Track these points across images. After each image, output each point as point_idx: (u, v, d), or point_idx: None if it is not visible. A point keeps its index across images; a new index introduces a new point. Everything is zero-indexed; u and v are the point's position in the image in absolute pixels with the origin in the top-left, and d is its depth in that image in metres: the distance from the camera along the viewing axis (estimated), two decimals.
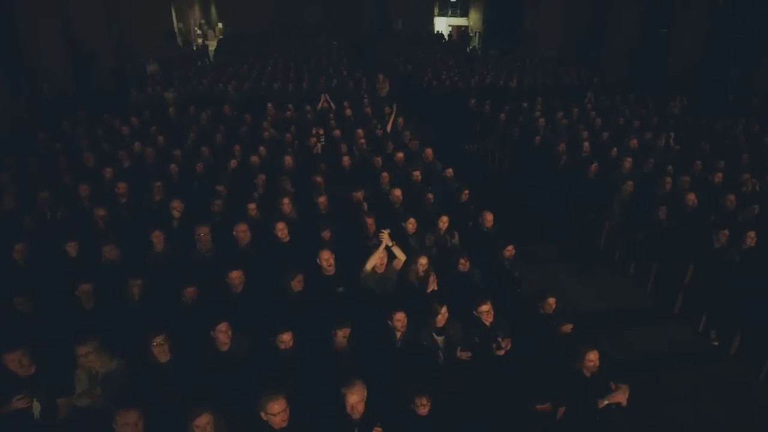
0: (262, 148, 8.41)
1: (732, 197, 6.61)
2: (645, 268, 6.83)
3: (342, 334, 4.04)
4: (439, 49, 23.56)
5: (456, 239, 6.11)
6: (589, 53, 20.87)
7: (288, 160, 7.87)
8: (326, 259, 4.90)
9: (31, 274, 4.95)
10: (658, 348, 5.81)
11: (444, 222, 5.99)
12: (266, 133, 9.43)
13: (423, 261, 4.99)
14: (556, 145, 9.22)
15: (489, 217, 6.03)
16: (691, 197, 6.58)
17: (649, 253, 6.67)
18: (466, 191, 6.88)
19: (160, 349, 3.76)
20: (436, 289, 4.98)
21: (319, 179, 7.13)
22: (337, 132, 9.33)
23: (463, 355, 4.24)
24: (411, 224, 5.82)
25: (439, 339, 4.40)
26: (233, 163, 7.91)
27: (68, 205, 6.45)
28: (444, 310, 4.35)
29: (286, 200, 6.18)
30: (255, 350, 4.09)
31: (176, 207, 6.06)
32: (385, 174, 7.33)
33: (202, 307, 4.49)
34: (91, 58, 15.88)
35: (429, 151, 8.41)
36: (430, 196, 6.77)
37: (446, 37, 30.14)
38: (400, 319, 4.21)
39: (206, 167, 7.78)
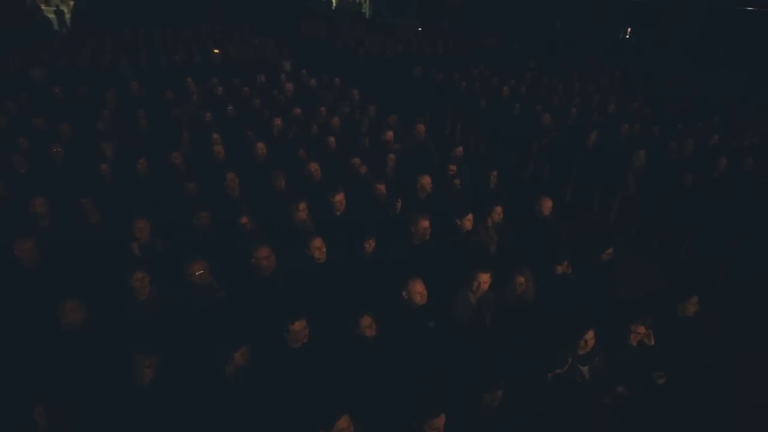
0: (216, 135, 6.56)
1: (750, 160, 6.49)
2: (673, 241, 6.48)
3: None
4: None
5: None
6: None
7: (261, 147, 6.21)
8: (418, 292, 3.61)
9: None
10: None
11: (498, 213, 4.99)
12: (209, 114, 7.49)
13: (521, 280, 3.95)
14: (533, 114, 8.57)
15: (548, 204, 5.13)
16: (723, 161, 6.30)
17: (681, 224, 6.31)
18: (495, 173, 5.91)
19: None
20: None
21: (315, 167, 5.65)
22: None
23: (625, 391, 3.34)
24: (468, 220, 4.73)
25: (584, 369, 3.46)
26: (176, 157, 6.01)
27: None
28: (591, 335, 3.40)
29: (303, 205, 4.65)
30: None
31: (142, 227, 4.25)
32: (391, 156, 6.08)
33: None
34: None
35: (421, 128, 7.25)
36: (458, 181, 5.71)
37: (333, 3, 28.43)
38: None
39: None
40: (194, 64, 11.54)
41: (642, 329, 3.49)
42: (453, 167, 6.07)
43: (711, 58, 15.07)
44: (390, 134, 6.93)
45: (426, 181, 5.41)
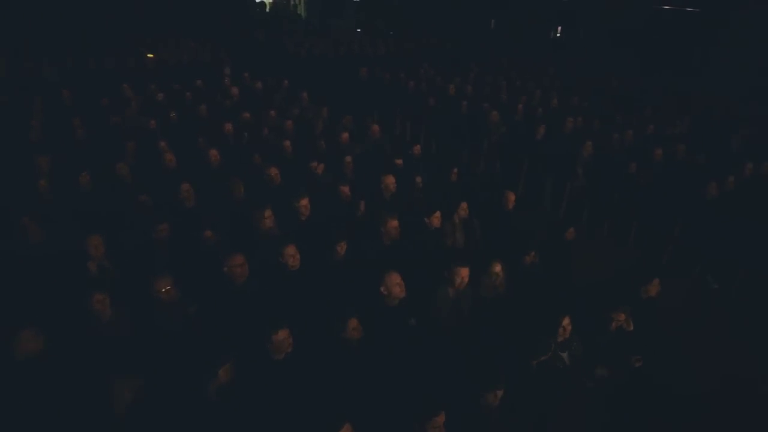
0: (163, 143, 6.23)
1: (682, 147, 6.98)
2: (622, 227, 6.83)
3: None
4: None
5: (478, 230, 5.22)
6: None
7: (214, 154, 5.96)
8: (396, 283, 3.58)
9: None
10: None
11: (464, 209, 5.06)
12: (153, 122, 7.09)
13: (497, 268, 4.03)
14: (481, 112, 8.78)
15: (512, 197, 5.25)
16: (659, 151, 6.73)
17: (629, 211, 6.67)
18: (456, 170, 5.99)
19: None
20: None
21: (275, 172, 5.49)
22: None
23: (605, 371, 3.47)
24: (436, 218, 4.76)
25: (564, 355, 3.56)
26: (122, 168, 5.64)
27: None
28: (568, 321, 3.51)
29: (268, 212, 4.49)
30: None
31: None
32: (348, 158, 6.03)
33: None
34: None
35: (376, 128, 7.22)
36: (419, 179, 5.74)
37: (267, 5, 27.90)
38: None
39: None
40: (127, 68, 10.92)
41: (622, 316, 3.64)
42: (399, 161, 6.13)
43: (635, 55, 16.08)
44: (345, 136, 6.86)
45: (390, 180, 5.39)
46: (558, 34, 18.77)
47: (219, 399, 2.83)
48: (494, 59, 14.55)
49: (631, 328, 3.70)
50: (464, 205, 5.05)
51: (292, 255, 3.88)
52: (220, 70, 11.54)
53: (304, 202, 4.82)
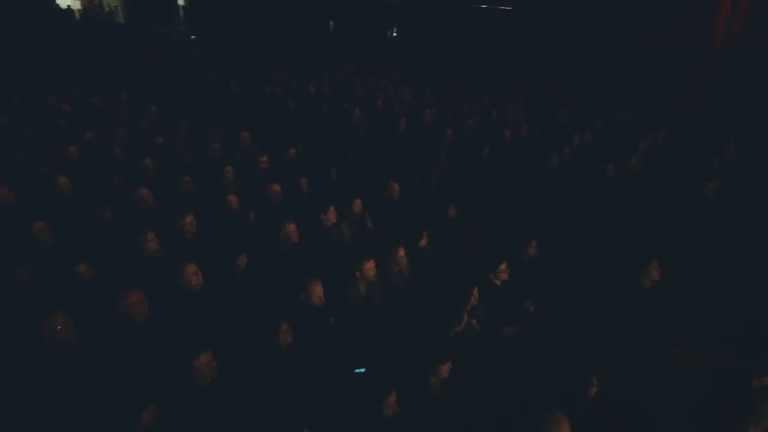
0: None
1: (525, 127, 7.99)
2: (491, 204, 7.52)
3: None
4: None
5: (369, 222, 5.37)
6: None
7: (63, 182, 5.22)
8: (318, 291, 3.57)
9: None
10: None
11: (358, 205, 5.19)
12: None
13: (401, 253, 4.23)
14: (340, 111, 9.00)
15: (395, 187, 5.50)
16: (507, 133, 7.61)
17: (487, 188, 7.40)
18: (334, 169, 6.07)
19: None
20: None
21: (145, 193, 5.01)
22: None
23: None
24: (332, 213, 4.82)
25: (474, 323, 3.89)
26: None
27: None
28: (476, 291, 3.85)
29: (151, 236, 4.09)
30: None
31: None
32: (228, 168, 5.75)
33: None
34: None
35: (245, 135, 6.96)
36: (304, 181, 5.72)
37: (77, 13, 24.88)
38: None
39: None
40: None
41: (503, 266, 4.07)
42: (264, 158, 6.05)
43: (460, 49, 17.74)
44: (216, 146, 6.50)
45: (276, 188, 5.28)
46: (395, 34, 19.93)
47: None
48: (341, 59, 14.91)
49: (507, 276, 4.13)
50: (358, 201, 5.18)
51: (193, 273, 3.61)
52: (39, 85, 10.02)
53: (189, 219, 4.50)
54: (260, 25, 19.78)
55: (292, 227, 4.42)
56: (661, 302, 4.01)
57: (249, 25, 20.09)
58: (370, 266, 3.96)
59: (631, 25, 14.18)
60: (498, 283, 4.18)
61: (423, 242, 4.81)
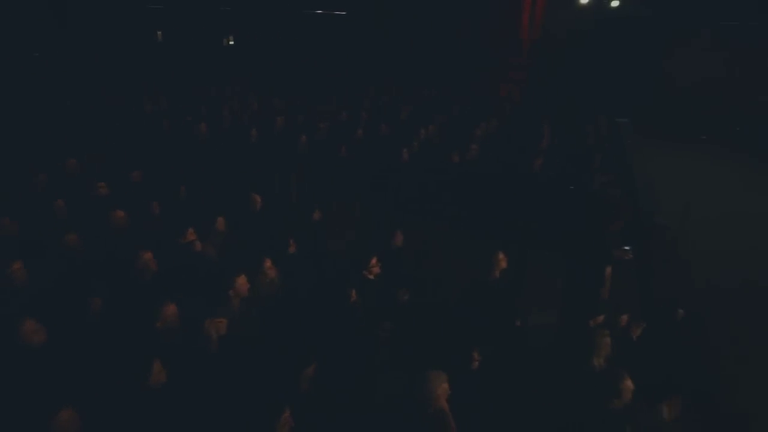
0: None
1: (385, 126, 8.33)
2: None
3: None
4: None
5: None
6: None
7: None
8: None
9: None
10: None
11: (221, 223, 4.99)
12: None
13: (268, 264, 4.24)
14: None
15: (258, 199, 5.38)
16: (360, 132, 7.88)
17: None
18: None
19: None
20: None
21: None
22: None
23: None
24: (191, 234, 4.54)
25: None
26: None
27: None
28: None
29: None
30: None
31: None
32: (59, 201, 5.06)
33: None
34: None
35: (72, 162, 6.16)
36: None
37: None
38: None
39: None
40: None
41: (374, 261, 4.30)
42: (102, 185, 5.61)
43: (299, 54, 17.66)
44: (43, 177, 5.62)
45: (119, 215, 4.82)
46: (231, 42, 19.09)
47: None
48: (175, 71, 13.94)
49: (378, 270, 4.38)
50: (221, 219, 4.99)
51: (34, 332, 3.13)
52: None
53: (17, 266, 3.89)
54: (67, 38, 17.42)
55: (147, 255, 4.07)
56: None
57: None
58: (242, 282, 3.85)
59: (452, 25, 15.43)
60: (372, 277, 4.34)
61: (291, 249, 4.80)
